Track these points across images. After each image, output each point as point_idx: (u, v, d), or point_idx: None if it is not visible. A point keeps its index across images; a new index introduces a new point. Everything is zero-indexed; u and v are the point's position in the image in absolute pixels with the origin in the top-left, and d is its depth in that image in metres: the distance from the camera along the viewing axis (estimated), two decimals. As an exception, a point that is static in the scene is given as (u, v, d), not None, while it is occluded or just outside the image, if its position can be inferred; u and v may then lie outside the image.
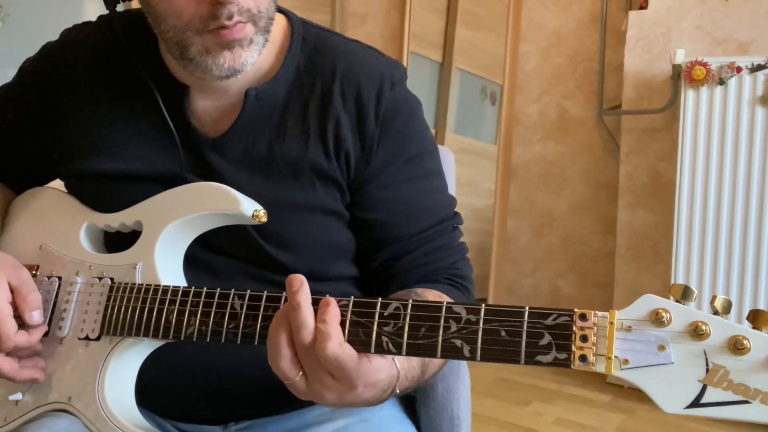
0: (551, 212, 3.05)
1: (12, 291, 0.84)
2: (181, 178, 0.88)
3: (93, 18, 0.98)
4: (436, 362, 0.80)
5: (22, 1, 2.36)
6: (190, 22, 0.79)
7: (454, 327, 0.64)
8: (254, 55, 0.83)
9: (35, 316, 0.85)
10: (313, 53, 0.92)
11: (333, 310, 0.67)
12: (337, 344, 0.65)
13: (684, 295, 0.57)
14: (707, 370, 0.55)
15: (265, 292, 0.74)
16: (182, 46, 0.81)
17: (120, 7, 0.92)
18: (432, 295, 0.85)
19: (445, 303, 0.62)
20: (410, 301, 0.67)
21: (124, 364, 0.83)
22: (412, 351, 0.64)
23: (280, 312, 0.69)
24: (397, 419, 0.92)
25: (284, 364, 0.67)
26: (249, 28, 0.81)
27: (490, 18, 3.06)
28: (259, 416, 0.93)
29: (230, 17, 0.78)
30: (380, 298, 0.68)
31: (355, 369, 0.65)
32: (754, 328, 0.54)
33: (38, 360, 0.85)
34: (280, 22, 0.92)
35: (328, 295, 0.68)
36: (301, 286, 0.66)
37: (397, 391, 0.72)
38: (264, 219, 0.81)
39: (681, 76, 2.38)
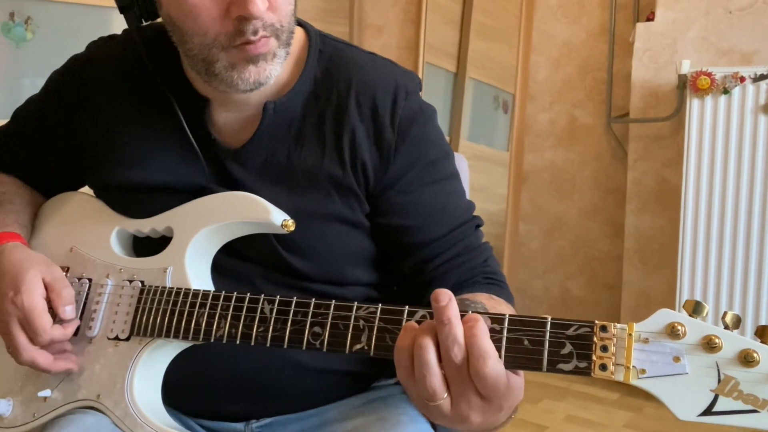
0: (561, 217, 3.05)
1: (46, 287, 0.86)
2: (208, 190, 0.90)
3: (120, 30, 0.99)
4: None
5: (52, 13, 2.36)
6: (216, 39, 0.80)
7: None
8: (277, 68, 0.84)
9: (68, 310, 0.86)
10: (330, 65, 0.92)
11: (483, 325, 0.62)
12: (497, 361, 0.61)
13: (696, 309, 0.59)
14: (719, 381, 0.56)
15: (294, 297, 0.76)
16: (208, 62, 0.82)
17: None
18: (482, 297, 0.84)
19: (470, 312, 0.64)
20: None
21: (153, 364, 0.85)
22: None
23: (424, 328, 0.63)
24: (413, 417, 0.92)
25: (436, 383, 0.62)
26: (272, 42, 0.82)
27: (502, 30, 3.06)
28: (281, 413, 0.94)
29: (255, 32, 0.79)
30: (407, 306, 0.69)
31: (506, 387, 0.62)
32: (762, 342, 0.56)
33: (70, 354, 0.87)
34: (298, 35, 0.92)
35: (470, 311, 0.64)
36: (449, 301, 0.62)
37: (512, 416, 0.68)
38: (292, 228, 0.83)
39: (686, 86, 2.39)
